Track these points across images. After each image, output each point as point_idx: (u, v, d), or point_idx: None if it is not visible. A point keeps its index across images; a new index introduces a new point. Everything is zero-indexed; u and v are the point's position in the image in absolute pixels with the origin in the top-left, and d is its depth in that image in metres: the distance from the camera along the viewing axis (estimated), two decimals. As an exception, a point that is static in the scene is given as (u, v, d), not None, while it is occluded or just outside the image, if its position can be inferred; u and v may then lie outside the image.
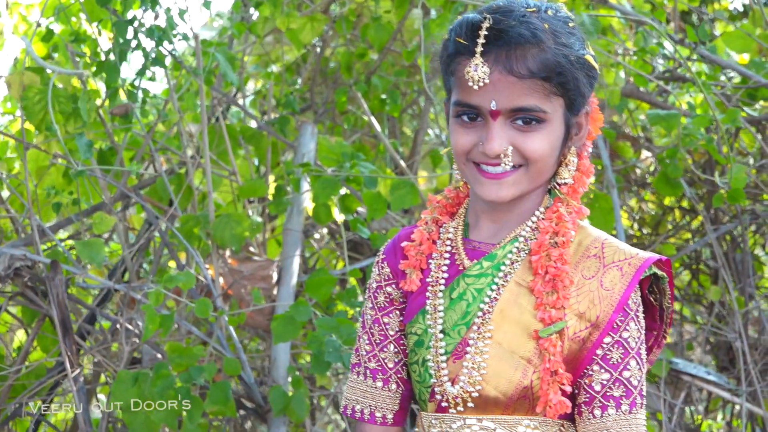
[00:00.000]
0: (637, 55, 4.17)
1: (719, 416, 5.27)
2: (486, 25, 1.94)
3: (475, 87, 1.94)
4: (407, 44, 4.59)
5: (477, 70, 1.94)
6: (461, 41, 1.96)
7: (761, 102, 4.44)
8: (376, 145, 4.82)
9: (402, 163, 4.34)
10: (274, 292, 4.07)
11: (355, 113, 4.76)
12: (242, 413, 4.15)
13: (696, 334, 5.11)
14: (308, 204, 4.16)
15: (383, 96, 4.57)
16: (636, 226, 5.11)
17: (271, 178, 4.63)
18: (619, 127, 4.81)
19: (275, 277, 4.11)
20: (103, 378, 4.24)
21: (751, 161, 4.65)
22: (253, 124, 4.55)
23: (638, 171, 4.95)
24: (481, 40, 1.94)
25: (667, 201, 4.99)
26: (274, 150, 4.49)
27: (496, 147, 1.96)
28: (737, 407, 4.44)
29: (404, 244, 2.12)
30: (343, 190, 3.97)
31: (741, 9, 5.03)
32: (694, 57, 4.16)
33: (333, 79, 4.87)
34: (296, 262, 4.07)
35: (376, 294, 2.14)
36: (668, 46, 4.19)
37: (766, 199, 4.58)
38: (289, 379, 3.84)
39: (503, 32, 1.93)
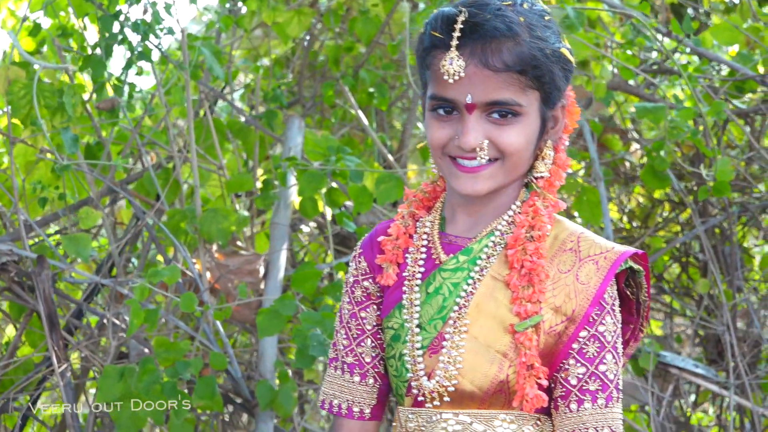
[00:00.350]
0: (623, 48, 4.16)
1: (711, 409, 5.27)
2: (461, 18, 1.93)
3: (451, 81, 1.93)
4: (395, 38, 4.57)
5: (452, 63, 1.93)
6: (436, 35, 1.96)
7: (749, 94, 4.43)
8: (364, 138, 4.80)
9: (390, 156, 4.33)
10: (262, 286, 4.07)
11: (343, 107, 4.75)
12: (230, 408, 4.14)
13: (685, 327, 5.10)
14: (295, 198, 4.15)
15: (371, 89, 4.55)
16: (625, 218, 5.10)
17: (260, 172, 4.62)
18: (608, 120, 4.80)
19: (262, 271, 4.10)
20: (91, 373, 4.24)
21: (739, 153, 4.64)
22: (242, 118, 4.54)
23: (627, 164, 4.94)
24: (456, 34, 1.93)
25: (657, 194, 4.98)
26: (261, 144, 4.48)
27: (471, 141, 1.95)
28: (726, 400, 4.44)
29: (381, 238, 2.11)
30: (332, 184, 3.96)
31: (737, 1, 5.01)
32: (681, 50, 4.15)
33: (321, 73, 4.86)
34: (283, 256, 4.06)
35: (353, 288, 2.14)
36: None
37: (756, 192, 4.57)
38: (276, 374, 3.83)
39: (479, 25, 1.93)
